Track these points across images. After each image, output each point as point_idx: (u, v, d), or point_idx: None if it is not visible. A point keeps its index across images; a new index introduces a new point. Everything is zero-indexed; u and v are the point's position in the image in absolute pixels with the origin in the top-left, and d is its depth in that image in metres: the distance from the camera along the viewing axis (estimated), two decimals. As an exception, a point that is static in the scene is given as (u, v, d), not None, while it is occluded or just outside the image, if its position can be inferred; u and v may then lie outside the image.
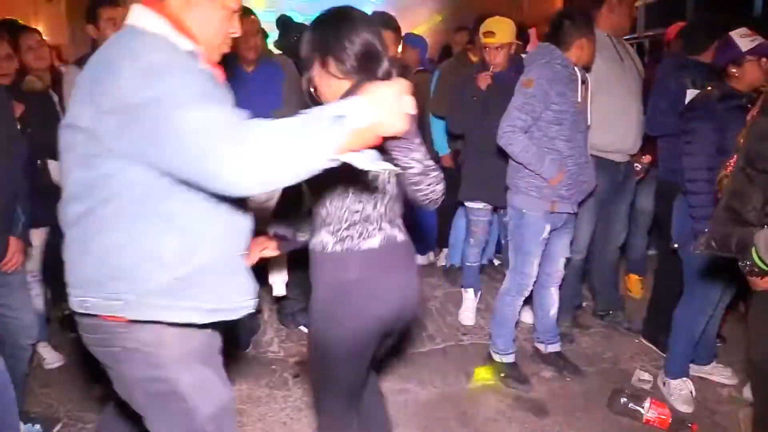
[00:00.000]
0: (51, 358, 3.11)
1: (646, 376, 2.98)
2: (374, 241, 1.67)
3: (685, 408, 2.74)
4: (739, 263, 1.76)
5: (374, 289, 1.68)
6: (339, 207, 1.67)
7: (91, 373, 3.02)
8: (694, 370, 2.92)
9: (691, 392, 2.79)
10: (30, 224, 2.57)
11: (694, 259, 2.60)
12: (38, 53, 3.20)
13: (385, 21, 2.97)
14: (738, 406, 2.74)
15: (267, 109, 3.05)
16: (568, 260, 3.14)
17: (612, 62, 3.16)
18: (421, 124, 3.07)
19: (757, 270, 1.72)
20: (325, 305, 1.70)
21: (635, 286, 3.95)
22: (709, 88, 2.72)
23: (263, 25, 3.37)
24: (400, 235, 1.74)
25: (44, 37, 3.50)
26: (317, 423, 1.87)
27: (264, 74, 3.14)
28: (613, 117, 3.07)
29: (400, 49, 3.20)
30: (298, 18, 4.69)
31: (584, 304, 3.79)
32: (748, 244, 1.71)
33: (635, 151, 3.31)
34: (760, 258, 1.69)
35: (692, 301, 2.75)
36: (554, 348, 3.10)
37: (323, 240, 1.69)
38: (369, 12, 3.08)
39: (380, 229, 1.69)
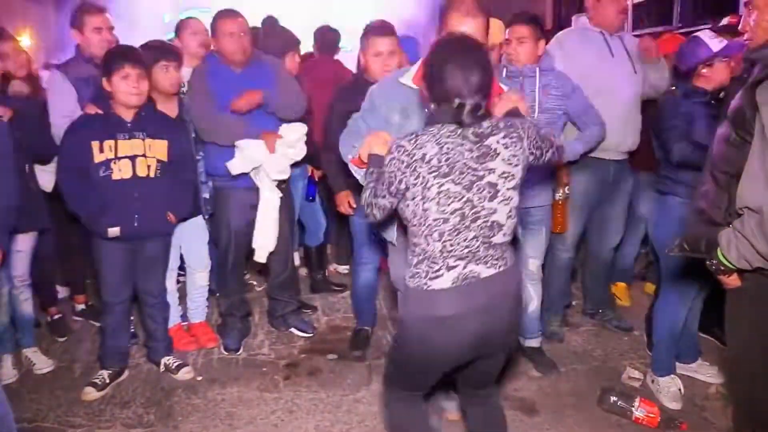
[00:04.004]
0: (40, 363, 3.10)
1: (636, 374, 3.00)
2: (443, 282, 1.72)
3: (674, 405, 2.76)
4: (707, 263, 1.80)
5: (436, 329, 1.75)
6: (412, 236, 1.79)
7: (80, 377, 3.03)
8: (680, 368, 2.94)
9: (680, 389, 2.81)
10: (6, 229, 2.50)
11: (670, 256, 2.64)
12: (17, 61, 3.19)
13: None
14: (726, 403, 2.76)
15: (258, 109, 3.08)
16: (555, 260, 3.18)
17: (599, 58, 3.16)
18: None
19: (723, 268, 1.76)
20: (401, 323, 1.87)
21: (623, 294, 3.94)
22: (673, 88, 2.82)
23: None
24: (488, 270, 1.74)
25: (31, 40, 3.49)
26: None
27: (254, 75, 3.13)
28: (600, 114, 3.05)
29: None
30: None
31: (574, 302, 3.81)
32: (715, 244, 1.75)
33: (626, 149, 3.27)
34: (724, 256, 1.73)
35: (670, 297, 2.80)
36: (531, 343, 3.12)
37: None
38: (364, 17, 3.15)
39: (449, 267, 1.72)
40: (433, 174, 1.67)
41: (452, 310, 1.72)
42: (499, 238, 1.75)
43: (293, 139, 3.12)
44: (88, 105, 2.79)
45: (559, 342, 3.37)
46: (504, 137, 1.71)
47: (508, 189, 1.73)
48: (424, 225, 1.71)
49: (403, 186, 1.71)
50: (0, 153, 2.40)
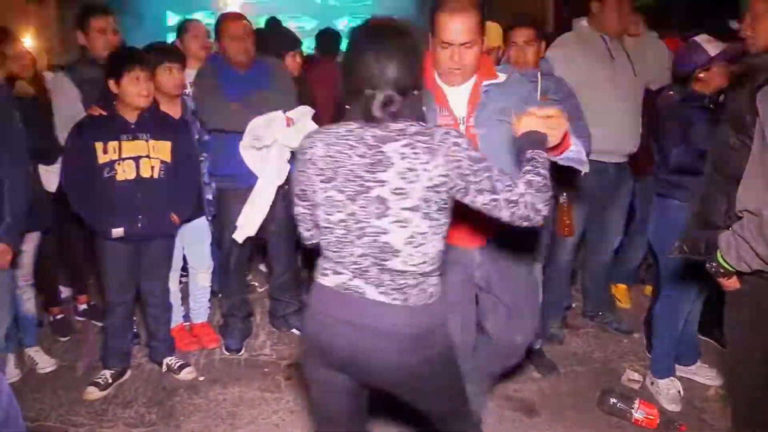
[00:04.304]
0: (43, 362, 3.11)
1: (636, 375, 3.02)
2: (328, 281, 1.60)
3: (673, 407, 2.77)
4: (706, 265, 1.82)
5: (318, 323, 1.61)
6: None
7: (83, 377, 3.05)
8: (679, 370, 2.95)
9: (679, 391, 2.83)
10: (19, 229, 2.54)
11: (669, 258, 2.66)
12: (21, 62, 3.20)
13: None
14: (725, 405, 2.77)
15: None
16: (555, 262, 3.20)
17: (599, 61, 3.17)
18: None
19: (722, 271, 1.78)
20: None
21: (624, 296, 3.96)
22: (671, 92, 2.82)
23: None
24: (378, 295, 1.53)
25: (33, 40, 3.51)
26: None
27: (256, 76, 3.15)
28: (599, 117, 3.02)
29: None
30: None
31: (574, 305, 3.82)
32: (714, 246, 1.77)
33: (626, 152, 3.28)
34: (723, 259, 1.75)
35: (670, 300, 2.81)
36: (532, 345, 3.13)
37: None
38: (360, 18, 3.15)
39: (336, 272, 1.58)
40: (319, 177, 1.54)
41: (323, 308, 1.60)
42: (396, 264, 1.51)
43: (305, 115, 3.12)
44: (93, 107, 2.81)
45: (559, 344, 3.38)
46: (405, 145, 1.46)
47: (402, 209, 1.47)
48: (319, 230, 1.61)
49: (303, 187, 1.61)
50: (17, 155, 2.44)
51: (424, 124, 1.53)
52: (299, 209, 1.69)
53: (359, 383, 1.67)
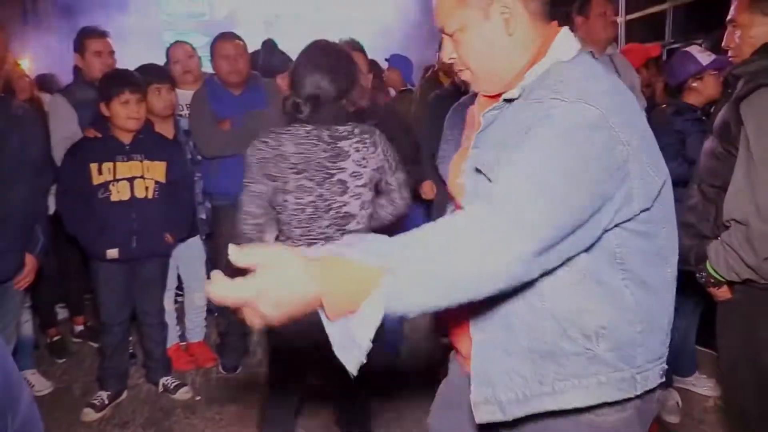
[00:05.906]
0: (40, 384, 3.10)
1: (634, 388, 3.00)
2: None
3: (672, 419, 2.76)
4: (696, 275, 1.82)
5: None
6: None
7: (79, 398, 3.04)
8: (677, 381, 2.94)
9: (677, 403, 2.82)
10: (47, 248, 2.67)
11: None
12: (19, 84, 3.23)
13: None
14: (724, 415, 2.76)
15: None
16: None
17: None
18: (410, 142, 3.10)
19: (712, 281, 1.79)
20: None
21: None
22: (664, 105, 2.84)
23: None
24: None
25: (30, 62, 3.55)
26: None
27: (251, 96, 3.18)
28: None
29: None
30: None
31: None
32: (704, 256, 1.78)
33: None
34: (713, 268, 1.76)
35: None
36: None
37: None
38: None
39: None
40: (292, 170, 1.95)
41: None
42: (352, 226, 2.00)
43: None
44: (88, 129, 2.83)
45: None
46: (357, 142, 1.97)
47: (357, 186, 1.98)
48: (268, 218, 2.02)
49: (269, 180, 1.97)
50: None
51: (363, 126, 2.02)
52: (252, 207, 1.99)
53: None
